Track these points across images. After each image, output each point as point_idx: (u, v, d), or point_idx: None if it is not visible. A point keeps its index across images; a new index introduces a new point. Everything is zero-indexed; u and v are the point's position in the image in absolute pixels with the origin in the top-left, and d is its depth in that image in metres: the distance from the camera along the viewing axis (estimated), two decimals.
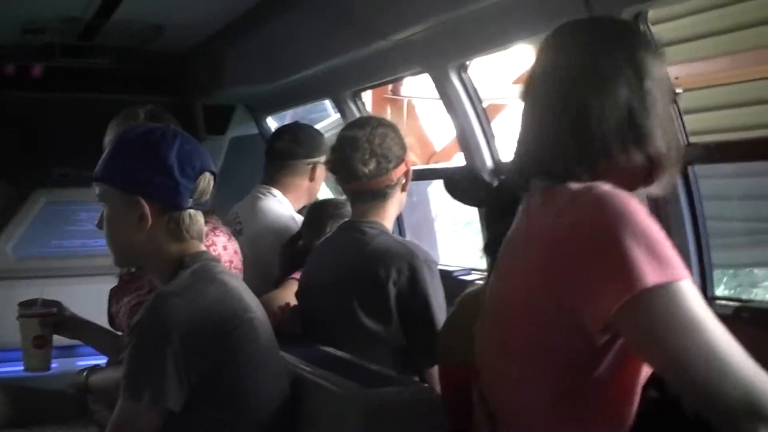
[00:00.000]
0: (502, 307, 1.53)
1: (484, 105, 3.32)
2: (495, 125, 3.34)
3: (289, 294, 2.84)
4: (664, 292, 1.30)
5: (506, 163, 1.62)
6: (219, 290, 1.98)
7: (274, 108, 4.84)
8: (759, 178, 4.62)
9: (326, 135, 3.73)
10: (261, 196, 3.39)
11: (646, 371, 1.46)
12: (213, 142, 4.64)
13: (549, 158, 1.50)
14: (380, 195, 2.62)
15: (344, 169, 2.61)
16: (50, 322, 2.69)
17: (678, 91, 1.60)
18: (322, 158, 3.40)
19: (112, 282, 2.93)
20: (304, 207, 3.42)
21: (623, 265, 1.31)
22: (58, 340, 2.79)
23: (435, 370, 2.41)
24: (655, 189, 1.54)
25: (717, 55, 4.24)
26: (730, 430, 1.28)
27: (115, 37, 4.24)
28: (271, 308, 2.61)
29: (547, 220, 1.44)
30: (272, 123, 4.98)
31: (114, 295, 2.79)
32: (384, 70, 3.63)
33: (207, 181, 2.08)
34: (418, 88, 5.77)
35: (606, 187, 1.40)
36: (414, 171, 2.76)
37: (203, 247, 2.12)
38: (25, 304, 2.69)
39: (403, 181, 2.67)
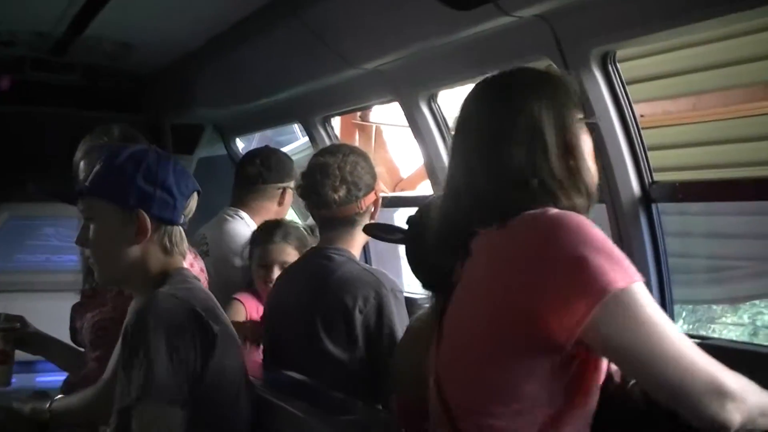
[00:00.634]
0: (467, 331, 1.55)
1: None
2: None
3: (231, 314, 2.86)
4: (630, 293, 1.40)
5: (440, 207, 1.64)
6: (204, 294, 2.06)
7: (243, 130, 4.85)
8: (723, 216, 4.68)
9: (294, 158, 3.74)
10: (229, 218, 3.39)
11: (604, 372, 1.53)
12: (181, 163, 4.62)
13: (491, 209, 1.53)
14: (349, 222, 2.63)
15: (314, 196, 2.62)
16: (12, 337, 2.67)
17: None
18: (292, 183, 3.42)
19: (74, 298, 2.91)
20: None
21: (590, 275, 1.39)
22: (18, 356, 2.77)
23: None
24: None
25: (681, 94, 4.31)
26: (701, 414, 1.39)
27: (85, 54, 4.24)
28: None
29: (506, 242, 1.49)
30: (241, 144, 4.99)
31: (77, 311, 2.77)
32: (355, 97, 3.65)
33: (194, 201, 2.14)
34: (386, 114, 5.80)
35: (557, 210, 1.48)
36: (383, 199, 2.78)
37: (185, 264, 2.15)
38: None
39: (372, 209, 2.69)
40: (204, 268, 2.66)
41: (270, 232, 3.11)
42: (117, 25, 3.73)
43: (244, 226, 3.37)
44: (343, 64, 3.21)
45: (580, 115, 1.61)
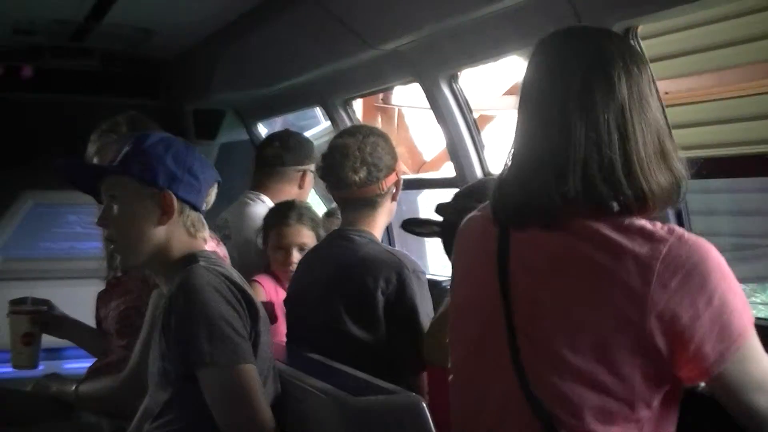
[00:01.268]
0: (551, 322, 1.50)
1: (474, 116, 3.33)
2: (484, 136, 3.34)
3: None
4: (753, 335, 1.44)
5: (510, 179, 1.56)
6: (236, 272, 2.10)
7: (265, 114, 4.84)
8: (747, 194, 4.64)
9: (317, 142, 3.74)
10: (250, 201, 3.39)
11: None
12: (203, 148, 4.63)
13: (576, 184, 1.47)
14: (370, 204, 2.62)
15: (334, 177, 2.61)
16: (39, 320, 2.71)
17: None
18: (312, 166, 3.41)
19: (98, 285, 2.93)
20: None
21: (728, 318, 1.41)
22: (45, 342, 2.79)
23: (422, 379, 2.42)
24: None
25: (705, 70, 4.26)
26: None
27: (105, 40, 4.25)
28: None
29: (622, 247, 1.44)
30: (263, 129, 4.98)
31: (101, 299, 2.79)
32: (375, 79, 3.63)
33: (214, 191, 2.17)
34: (408, 97, 5.79)
35: (691, 234, 1.45)
36: (404, 180, 2.77)
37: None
38: (15, 302, 2.71)
39: (394, 190, 2.67)
40: (227, 254, 2.66)
41: (284, 214, 3.11)
42: (137, 10, 3.73)
43: (265, 209, 3.36)
44: (363, 46, 3.19)
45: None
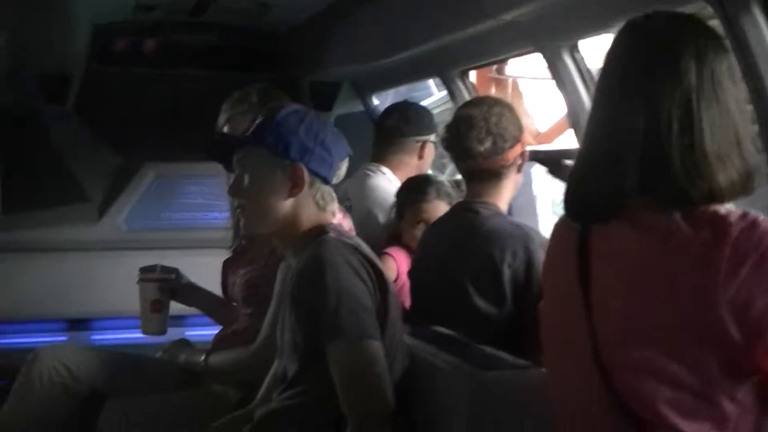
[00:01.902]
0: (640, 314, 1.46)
1: None
2: None
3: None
4: None
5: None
6: (366, 244, 2.13)
7: (380, 86, 4.83)
8: None
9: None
10: (370, 173, 3.39)
11: None
12: None
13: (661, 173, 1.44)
14: (495, 175, 2.60)
15: (460, 148, 2.59)
16: (168, 287, 2.77)
17: None
18: (431, 136, 3.40)
19: (218, 255, 2.99)
20: None
21: None
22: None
23: None
24: None
25: None
26: None
27: (222, 14, 4.30)
28: None
29: (694, 242, 1.39)
30: (376, 101, 4.98)
31: (228, 267, 2.84)
32: (495, 50, 3.57)
33: (345, 165, 2.20)
34: (523, 67, 5.69)
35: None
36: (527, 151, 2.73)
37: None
38: (145, 270, 2.79)
39: (519, 162, 2.63)
40: (352, 228, 2.67)
41: (422, 189, 3.09)
42: None
43: (386, 180, 3.37)
44: (483, 15, 3.13)
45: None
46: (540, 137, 6.40)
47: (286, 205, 2.10)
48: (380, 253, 3.02)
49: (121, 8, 4.12)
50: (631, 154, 1.44)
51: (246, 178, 2.12)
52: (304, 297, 1.99)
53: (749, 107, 1.54)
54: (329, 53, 4.28)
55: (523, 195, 5.06)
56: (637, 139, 1.44)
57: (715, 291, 1.35)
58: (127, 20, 4.34)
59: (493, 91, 5.85)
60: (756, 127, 1.51)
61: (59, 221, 4.37)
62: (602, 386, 1.46)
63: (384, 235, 3.20)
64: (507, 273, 2.45)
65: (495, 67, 5.24)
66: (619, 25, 2.91)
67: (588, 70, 3.17)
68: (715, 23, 2.11)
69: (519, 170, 2.66)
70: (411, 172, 3.41)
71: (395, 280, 2.88)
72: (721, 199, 1.43)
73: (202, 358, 2.67)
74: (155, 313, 2.77)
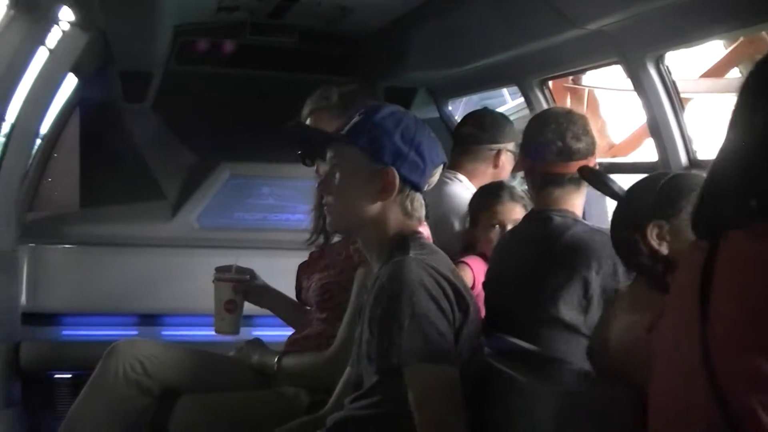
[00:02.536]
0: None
1: None
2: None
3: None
4: None
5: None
6: (448, 261, 2.09)
7: (456, 92, 4.81)
8: None
9: None
10: (447, 181, 3.37)
11: None
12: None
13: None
14: (574, 181, 2.57)
15: (553, 145, 2.57)
16: (242, 288, 2.78)
17: None
18: (509, 145, 3.37)
19: (289, 257, 2.99)
20: None
21: None
22: None
23: None
24: None
25: None
26: None
27: (302, 17, 4.31)
28: None
29: None
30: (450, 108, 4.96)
31: (303, 271, 2.84)
32: (575, 59, 3.52)
33: (439, 172, 2.15)
34: (599, 78, 5.64)
35: None
36: (602, 164, 2.72)
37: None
38: (221, 269, 2.80)
39: None
40: (430, 235, 2.64)
41: (496, 193, 3.07)
42: None
43: (463, 188, 3.34)
44: (567, 24, 3.09)
45: None
46: (614, 149, 6.33)
47: (373, 207, 2.07)
48: (456, 262, 3.00)
49: (204, 9, 4.16)
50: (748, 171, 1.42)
51: (337, 176, 2.10)
52: (381, 318, 1.94)
53: None
54: (407, 58, 4.27)
55: (596, 206, 5.01)
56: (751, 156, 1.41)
57: None
58: (207, 21, 4.38)
59: (568, 101, 5.81)
60: None
61: (134, 217, 4.44)
62: (709, 396, 1.42)
63: (458, 243, 3.18)
64: (595, 281, 2.41)
65: (571, 77, 5.20)
66: (707, 39, 2.90)
67: (673, 82, 3.11)
68: None
69: None
70: (486, 180, 3.39)
71: (471, 289, 2.86)
72: None
73: (276, 359, 2.67)
74: (229, 313, 2.78)
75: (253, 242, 4.39)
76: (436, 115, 4.82)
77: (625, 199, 2.09)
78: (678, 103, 3.12)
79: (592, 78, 5.57)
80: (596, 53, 3.32)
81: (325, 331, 2.61)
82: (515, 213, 3.00)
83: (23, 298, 4.14)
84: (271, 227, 4.53)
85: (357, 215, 2.09)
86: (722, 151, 1.50)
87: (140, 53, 4.13)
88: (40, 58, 3.54)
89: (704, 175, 1.91)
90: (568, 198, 2.59)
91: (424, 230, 2.53)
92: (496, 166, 3.42)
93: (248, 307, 2.96)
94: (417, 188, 2.09)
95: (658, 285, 1.89)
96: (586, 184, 2.60)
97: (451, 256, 3.06)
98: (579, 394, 1.83)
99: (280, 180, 4.50)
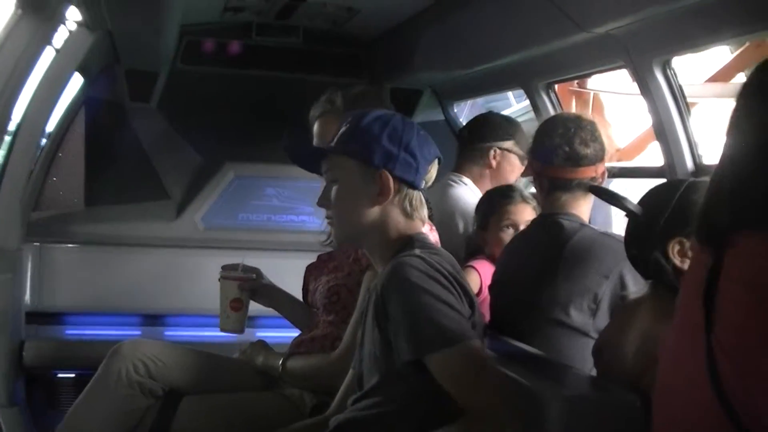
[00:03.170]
0: None
1: None
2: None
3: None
4: None
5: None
6: (452, 260, 2.08)
7: (462, 95, 4.80)
8: None
9: None
10: (453, 183, 3.38)
11: None
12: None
13: None
14: (584, 186, 2.57)
15: (561, 150, 2.57)
16: (248, 287, 2.78)
17: None
18: (503, 143, 3.37)
19: (294, 258, 2.99)
20: None
21: None
22: None
23: None
24: None
25: None
26: None
27: (309, 18, 4.31)
28: None
29: None
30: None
31: (311, 273, 2.84)
32: (582, 63, 3.51)
33: (435, 168, 2.14)
34: (604, 82, 5.64)
35: None
36: (608, 169, 2.71)
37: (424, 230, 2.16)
38: (227, 268, 2.80)
39: (600, 179, 2.61)
40: (438, 241, 2.63)
41: (507, 194, 3.07)
42: None
43: (468, 191, 3.35)
44: (574, 28, 3.09)
45: None
46: (619, 153, 6.33)
47: (373, 212, 2.08)
48: (463, 266, 3.00)
49: (211, 9, 4.16)
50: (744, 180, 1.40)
51: (333, 189, 2.11)
52: (393, 314, 1.93)
53: None
54: (413, 60, 4.26)
55: (601, 213, 5.01)
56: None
57: None
58: (213, 21, 4.38)
59: (573, 104, 5.81)
60: None
61: (138, 217, 4.45)
62: (714, 399, 1.41)
63: (463, 245, 3.17)
64: (605, 285, 2.40)
65: (576, 80, 5.20)
66: (714, 44, 2.89)
67: (680, 87, 3.11)
68: None
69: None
70: (488, 181, 3.40)
71: (477, 294, 2.85)
72: None
73: (281, 361, 2.67)
74: (234, 312, 2.78)
75: (257, 243, 4.39)
76: (441, 117, 4.82)
77: (641, 216, 2.05)
78: (684, 107, 3.12)
79: (597, 82, 5.58)
80: (603, 57, 3.31)
81: (331, 334, 2.61)
82: (527, 214, 2.99)
83: (27, 297, 4.15)
84: (275, 228, 4.53)
85: (359, 223, 2.09)
86: (722, 156, 1.49)
87: (146, 53, 4.13)
88: (47, 57, 3.54)
89: None
90: (575, 203, 2.58)
91: (433, 235, 2.53)
92: (489, 165, 3.42)
93: (252, 308, 2.96)
94: (414, 186, 2.10)
95: None
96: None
97: (456, 259, 3.09)
98: (585, 398, 1.83)
99: (285, 181, 4.50)
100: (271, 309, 2.98)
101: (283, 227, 4.52)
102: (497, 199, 3.08)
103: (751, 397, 1.38)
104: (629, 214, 2.11)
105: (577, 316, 2.40)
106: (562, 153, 2.56)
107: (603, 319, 2.39)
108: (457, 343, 1.88)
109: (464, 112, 6.04)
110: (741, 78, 5.96)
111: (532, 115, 5.12)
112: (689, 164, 3.08)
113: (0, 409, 3.55)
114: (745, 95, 1.49)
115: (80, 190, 4.41)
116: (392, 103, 4.63)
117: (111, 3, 3.14)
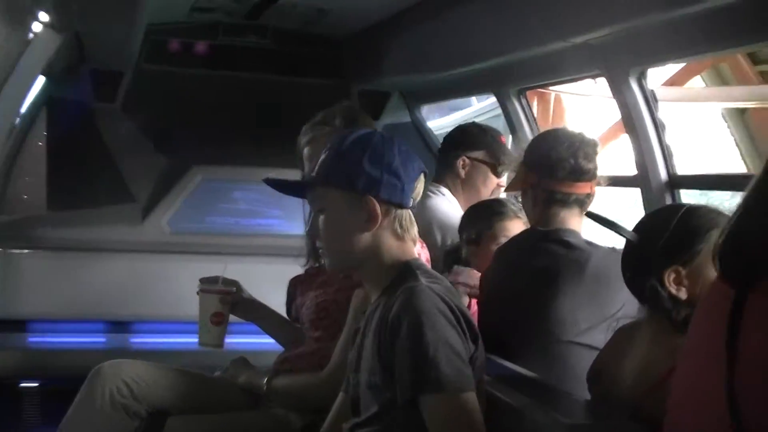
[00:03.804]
0: None
1: None
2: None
3: None
4: None
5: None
6: (451, 287, 2.06)
7: (431, 98, 4.80)
8: None
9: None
10: (431, 195, 3.36)
11: None
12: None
13: None
14: (579, 203, 2.55)
15: (553, 169, 2.55)
16: (229, 300, 2.72)
17: None
18: (473, 152, 3.36)
19: (261, 262, 2.94)
20: None
21: None
22: None
23: None
24: None
25: None
26: None
27: (278, 18, 4.27)
28: None
29: None
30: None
31: (297, 287, 2.79)
32: (557, 71, 3.51)
33: (422, 183, 2.09)
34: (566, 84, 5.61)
35: None
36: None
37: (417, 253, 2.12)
38: (206, 281, 2.74)
39: (589, 201, 2.61)
40: (429, 259, 2.60)
41: (498, 210, 3.02)
42: None
43: (445, 201, 3.34)
44: (552, 37, 3.08)
45: None
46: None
47: (365, 240, 2.02)
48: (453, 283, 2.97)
49: (178, 9, 4.09)
50: None
51: (321, 219, 2.06)
52: (399, 348, 1.88)
53: None
54: (384, 62, 4.24)
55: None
56: None
57: None
58: (180, 20, 4.31)
59: (535, 106, 5.79)
60: None
61: (103, 221, 4.34)
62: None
63: (440, 258, 3.14)
64: (625, 307, 2.35)
65: None
66: (690, 57, 2.90)
67: (654, 98, 3.12)
68: None
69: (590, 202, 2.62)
70: (464, 190, 3.40)
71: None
72: None
73: (265, 380, 2.63)
74: (215, 326, 2.71)
75: (225, 247, 4.30)
76: (408, 119, 4.80)
77: (637, 243, 2.04)
78: (659, 119, 3.13)
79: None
80: (580, 66, 3.32)
81: (318, 351, 2.57)
82: (518, 228, 2.95)
83: None
84: (243, 232, 4.46)
85: (351, 251, 2.04)
86: (754, 192, 1.47)
87: (112, 52, 4.05)
88: (11, 59, 3.45)
89: (714, 209, 1.91)
90: (572, 219, 2.56)
91: (424, 253, 2.49)
92: (458, 175, 3.41)
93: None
94: (402, 206, 2.04)
95: (678, 326, 1.87)
96: (587, 207, 2.59)
97: (434, 269, 3.07)
98: (583, 427, 1.81)
99: (253, 185, 4.42)
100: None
101: (251, 231, 4.46)
102: (489, 215, 3.01)
103: None
104: (624, 238, 2.10)
105: (598, 335, 2.36)
106: (568, 166, 2.53)
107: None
108: (452, 393, 1.85)
109: (429, 113, 6.03)
110: (698, 82, 6.02)
111: (491, 115, 5.13)
112: (663, 174, 3.09)
113: None
114: None
115: (42, 194, 4.31)
116: (360, 105, 4.65)
117: (83, 5, 3.07)
